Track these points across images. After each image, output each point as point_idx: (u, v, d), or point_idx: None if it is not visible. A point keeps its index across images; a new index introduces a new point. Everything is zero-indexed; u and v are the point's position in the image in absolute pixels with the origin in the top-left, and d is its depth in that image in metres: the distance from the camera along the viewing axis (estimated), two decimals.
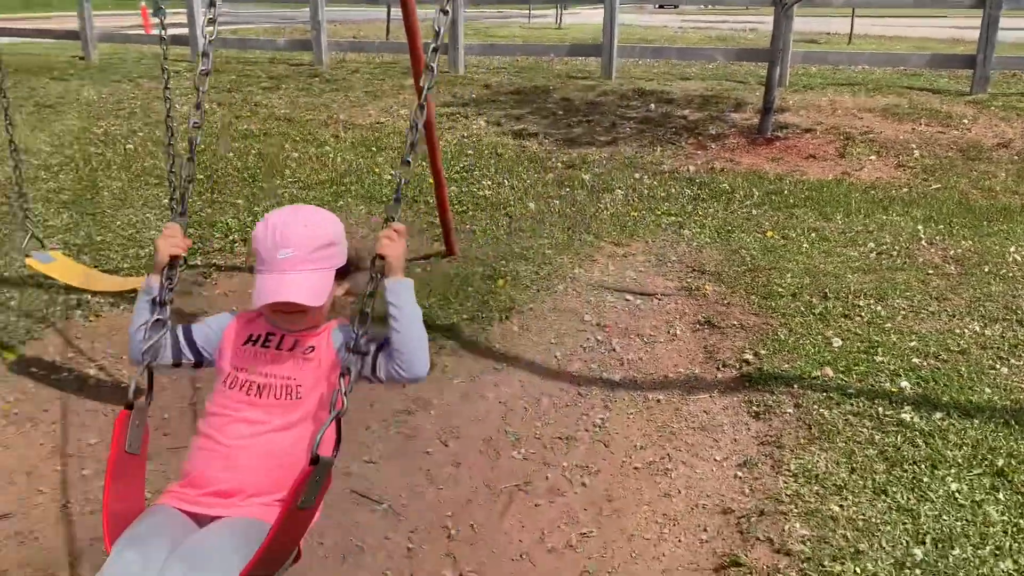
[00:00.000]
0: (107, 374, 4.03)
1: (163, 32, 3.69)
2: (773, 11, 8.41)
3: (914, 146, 7.75)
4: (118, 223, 5.90)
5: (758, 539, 2.83)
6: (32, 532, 2.95)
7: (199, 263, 5.20)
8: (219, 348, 2.00)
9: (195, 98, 2.26)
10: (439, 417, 3.71)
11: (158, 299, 1.97)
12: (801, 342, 4.11)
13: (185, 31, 13.37)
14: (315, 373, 1.91)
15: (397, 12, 18.13)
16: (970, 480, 3.05)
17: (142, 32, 17.60)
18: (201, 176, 7.03)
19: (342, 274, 2.01)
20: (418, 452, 3.49)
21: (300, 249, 1.86)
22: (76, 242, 5.52)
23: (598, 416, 3.74)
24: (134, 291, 4.64)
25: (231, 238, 5.64)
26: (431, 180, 6.64)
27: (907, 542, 2.76)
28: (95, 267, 5.06)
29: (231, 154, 7.69)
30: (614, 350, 4.25)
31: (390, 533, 3.04)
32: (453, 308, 4.51)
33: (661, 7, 50.84)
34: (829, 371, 3.83)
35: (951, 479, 3.06)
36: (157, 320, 1.96)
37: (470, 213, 6.17)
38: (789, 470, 3.18)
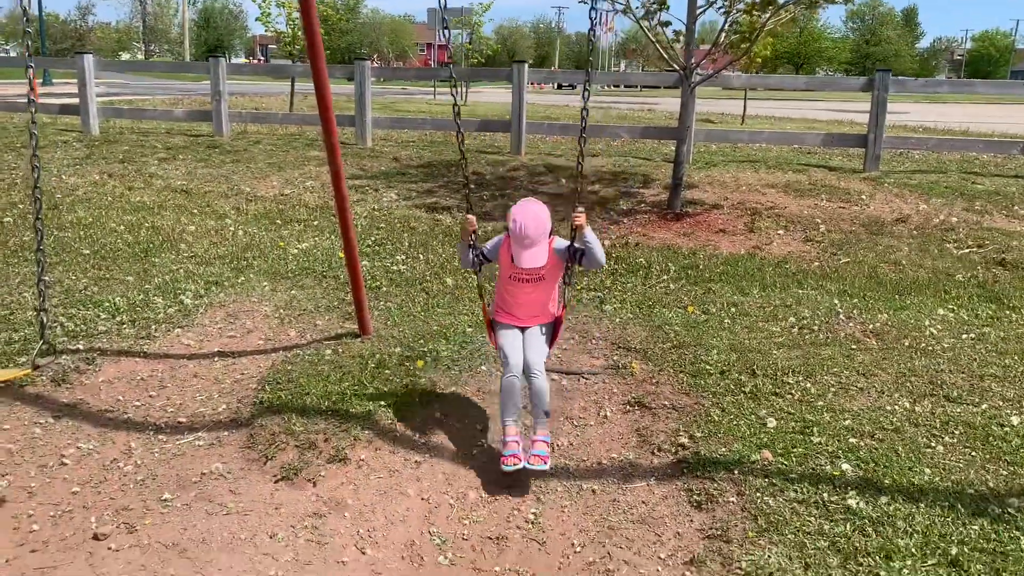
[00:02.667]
0: None
1: (32, 93, 3.32)
2: (680, 90, 8.58)
3: (819, 221, 7.93)
4: None
5: None
6: None
7: (81, 347, 4.69)
8: (500, 258, 3.83)
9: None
10: (355, 520, 3.33)
11: (472, 246, 3.82)
12: (735, 423, 3.95)
13: (76, 100, 12.76)
14: (549, 267, 3.73)
15: (299, 86, 17.89)
16: (926, 572, 2.89)
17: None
18: (87, 251, 6.50)
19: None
20: (331, 563, 3.10)
21: (533, 236, 3.61)
22: None
23: (530, 511, 3.45)
24: (5, 382, 4.13)
25: (119, 319, 5.13)
26: (341, 255, 6.34)
27: None
28: None
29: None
30: None
31: None
32: (369, 394, 4.17)
33: (560, 87, 52.70)
34: (768, 454, 3.66)
35: (908, 571, 2.89)
36: (475, 256, 3.85)
37: (384, 289, 5.87)
38: (741, 568, 2.95)
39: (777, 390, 4.29)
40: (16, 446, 3.78)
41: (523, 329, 3.81)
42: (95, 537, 3.17)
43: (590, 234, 3.68)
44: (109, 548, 3.11)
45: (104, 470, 3.64)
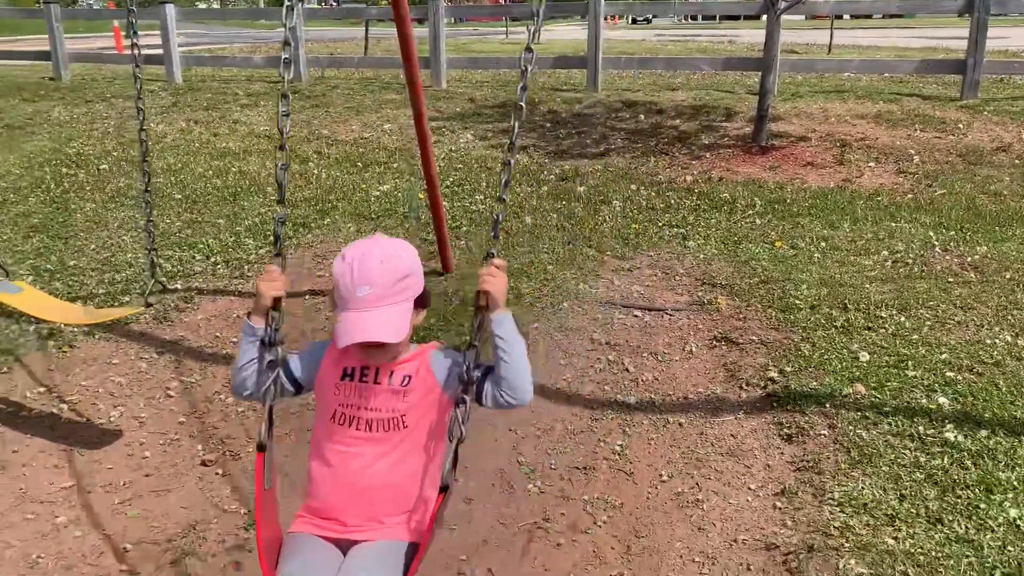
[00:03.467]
0: (80, 411, 3.72)
1: (135, 39, 3.42)
2: (764, 19, 8.24)
3: (912, 152, 7.59)
4: (92, 247, 5.57)
5: None
6: None
7: (179, 287, 4.89)
8: (318, 379, 2.01)
9: (277, 125, 2.14)
10: None
11: (267, 340, 1.99)
12: (827, 357, 3.87)
13: (160, 51, 13.06)
14: (417, 402, 1.95)
15: (374, 30, 17.87)
16: None
17: (115, 52, 17.26)
18: (179, 196, 6.72)
19: (420, 301, 2.01)
20: None
21: (379, 286, 1.87)
22: (47, 267, 5.19)
23: (616, 442, 3.47)
24: (112, 321, 4.34)
25: (213, 259, 5.32)
26: (421, 195, 6.40)
27: None
28: (68, 294, 4.74)
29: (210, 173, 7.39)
30: (627, 370, 3.99)
31: None
32: (453, 328, 4.24)
33: (635, 21, 51.21)
34: (861, 388, 3.59)
35: (1009, 504, 2.82)
36: (271, 362, 1.99)
37: (464, 228, 5.91)
38: (833, 499, 2.92)
39: (870, 324, 4.18)
40: (125, 379, 3.99)
41: (344, 547, 1.91)
42: (203, 463, 3.35)
43: (506, 324, 1.91)
44: (216, 473, 3.28)
45: (207, 402, 3.82)
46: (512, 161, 2.08)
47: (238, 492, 3.17)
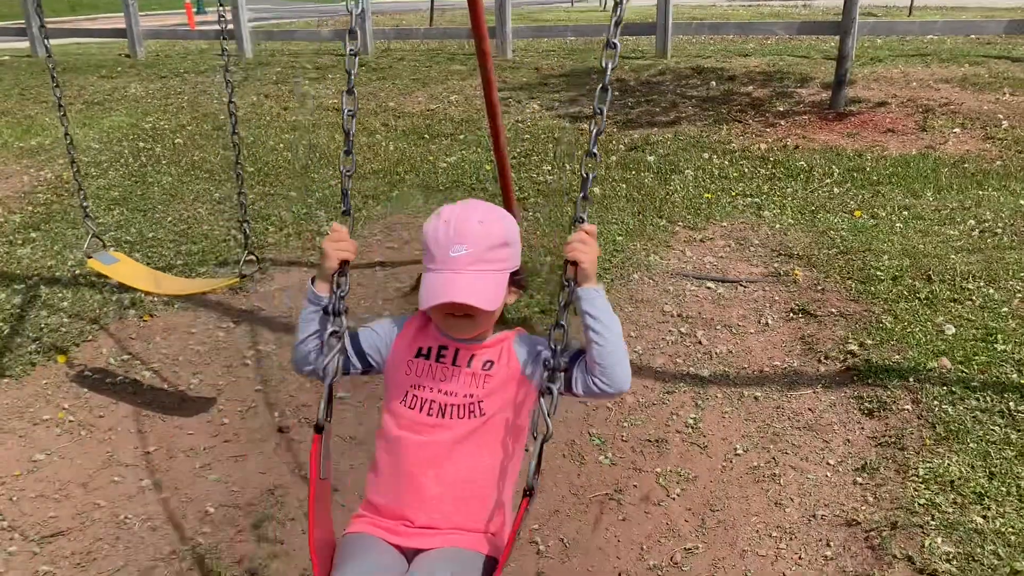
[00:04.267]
0: (163, 377, 3.83)
1: (222, 11, 3.48)
2: None
3: (1001, 116, 7.23)
4: (169, 219, 5.72)
5: (895, 556, 2.49)
6: (90, 552, 2.74)
7: (255, 258, 4.97)
8: (389, 359, 1.84)
9: (347, 84, 1.87)
10: None
11: (332, 309, 1.78)
12: (910, 330, 3.74)
13: (230, 26, 13.26)
14: (497, 390, 1.75)
15: (438, 1, 17.82)
16: None
17: (187, 28, 17.61)
18: (251, 169, 6.83)
19: (513, 280, 1.82)
20: None
21: (475, 247, 1.70)
22: (127, 239, 5.34)
23: (689, 416, 3.42)
24: (201, 294, 4.45)
25: (285, 231, 5.41)
26: (488, 167, 6.39)
27: None
28: (148, 265, 4.87)
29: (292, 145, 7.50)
30: (700, 343, 3.92)
31: None
32: (523, 300, 4.22)
33: None
34: (946, 362, 3.45)
35: None
36: (334, 333, 1.78)
37: (531, 199, 5.87)
38: (917, 475, 2.83)
39: (956, 296, 4.02)
40: (203, 348, 4.09)
41: (409, 554, 1.71)
42: (279, 430, 3.42)
43: (599, 300, 1.69)
44: (292, 440, 3.35)
45: (282, 371, 3.89)
46: (604, 109, 1.71)
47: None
